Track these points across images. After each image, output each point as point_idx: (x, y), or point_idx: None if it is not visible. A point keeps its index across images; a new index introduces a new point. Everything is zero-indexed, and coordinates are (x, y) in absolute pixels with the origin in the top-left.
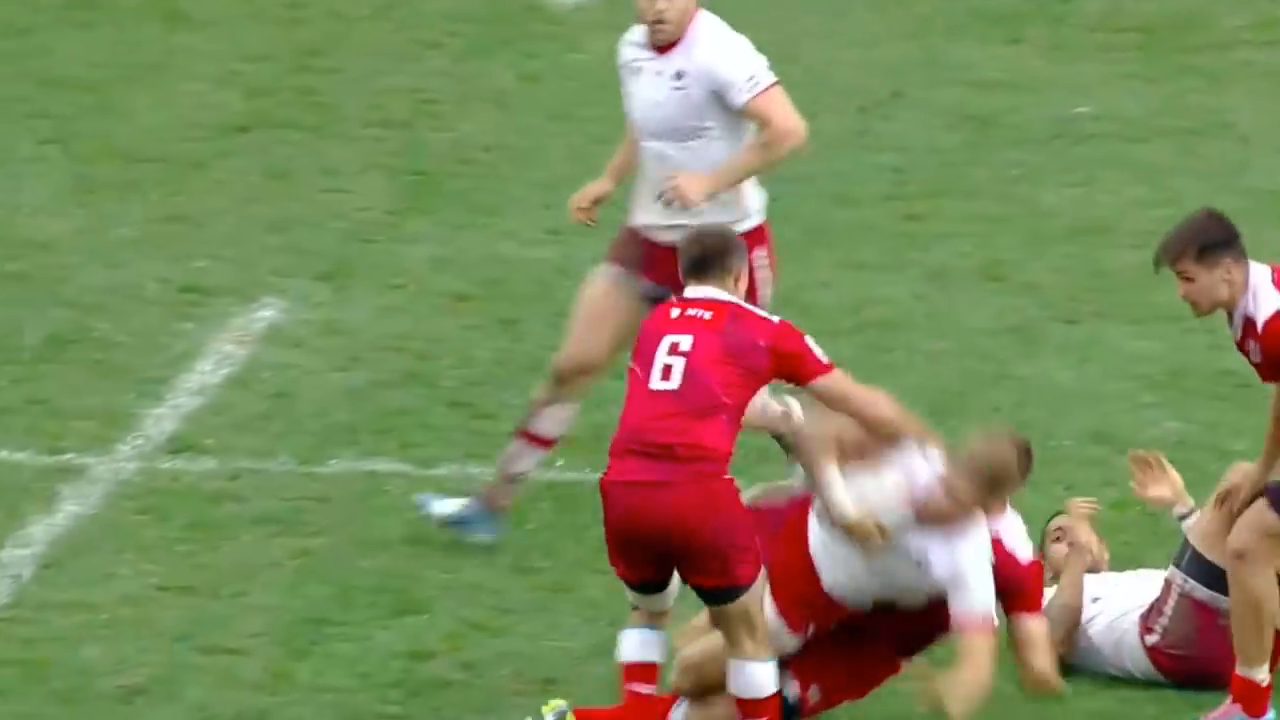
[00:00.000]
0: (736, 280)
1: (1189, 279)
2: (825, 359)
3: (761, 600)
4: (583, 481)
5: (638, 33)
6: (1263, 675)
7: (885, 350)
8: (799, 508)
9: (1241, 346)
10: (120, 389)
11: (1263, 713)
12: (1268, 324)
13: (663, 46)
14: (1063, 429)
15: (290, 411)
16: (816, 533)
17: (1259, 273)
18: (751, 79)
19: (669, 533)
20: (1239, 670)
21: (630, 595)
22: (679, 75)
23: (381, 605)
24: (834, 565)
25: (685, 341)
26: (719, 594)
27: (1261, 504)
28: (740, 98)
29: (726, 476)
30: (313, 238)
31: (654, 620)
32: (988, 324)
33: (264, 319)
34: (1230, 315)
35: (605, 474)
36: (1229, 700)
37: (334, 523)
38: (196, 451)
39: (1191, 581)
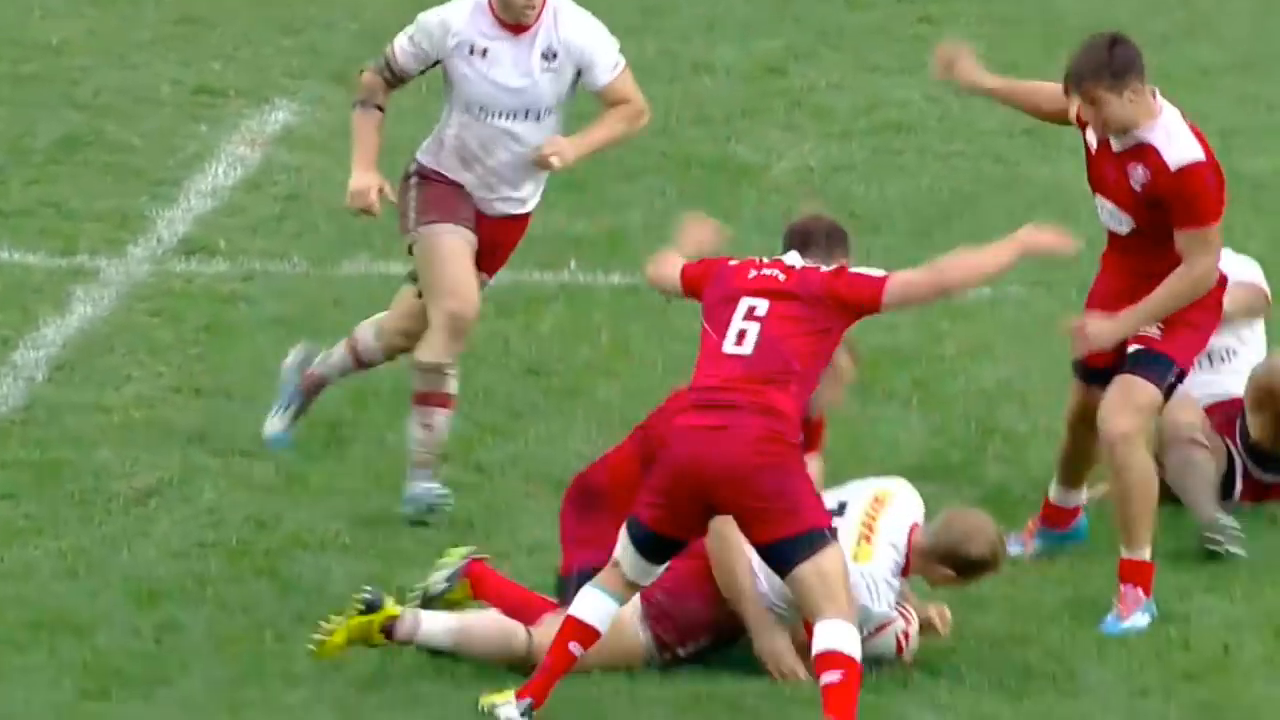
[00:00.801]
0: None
1: (1099, 103)
2: (878, 273)
3: (841, 558)
4: (595, 284)
5: (474, 13)
6: (1149, 554)
7: (897, 153)
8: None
9: (1121, 167)
10: (133, 191)
11: (1150, 592)
12: (1186, 171)
13: (521, 27)
14: (1075, 231)
15: (303, 213)
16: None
17: (1172, 111)
18: (616, 61)
19: (731, 473)
20: (1129, 554)
21: (629, 556)
22: (549, 55)
23: (395, 407)
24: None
25: (761, 306)
26: (791, 545)
27: (1137, 381)
28: (604, 77)
29: (794, 440)
30: (326, 39)
31: (622, 590)
32: (1001, 127)
33: (277, 121)
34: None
35: (674, 423)
36: (1129, 586)
37: (348, 325)
38: (209, 253)
39: None
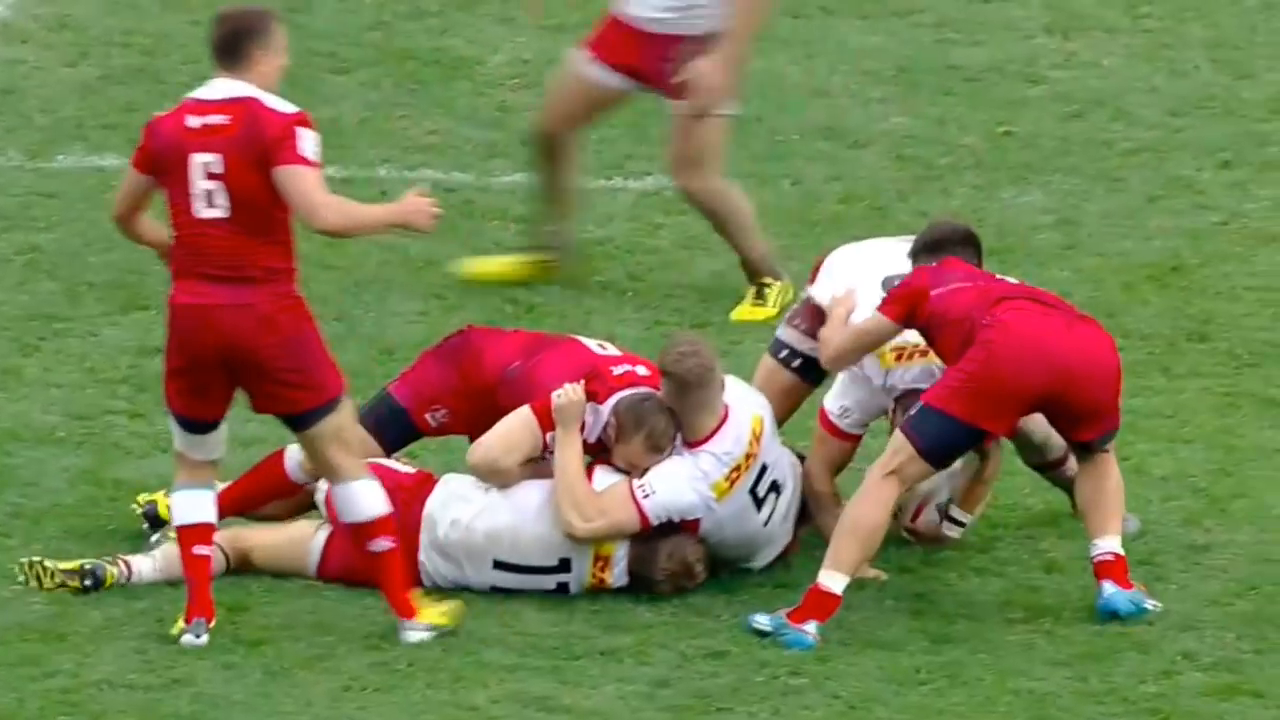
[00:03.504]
0: (259, 67)
1: None
2: (306, 154)
3: (351, 417)
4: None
5: None
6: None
7: None
8: None
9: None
10: None
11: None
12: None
13: None
14: (790, 124)
15: (18, 107)
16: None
17: None
18: None
19: (245, 348)
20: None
21: (180, 440)
22: None
23: (110, 301)
24: None
25: (216, 162)
26: (308, 416)
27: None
28: None
29: (296, 294)
30: None
31: (200, 477)
32: None
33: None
34: None
35: (172, 294)
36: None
37: (63, 219)
38: None
39: None
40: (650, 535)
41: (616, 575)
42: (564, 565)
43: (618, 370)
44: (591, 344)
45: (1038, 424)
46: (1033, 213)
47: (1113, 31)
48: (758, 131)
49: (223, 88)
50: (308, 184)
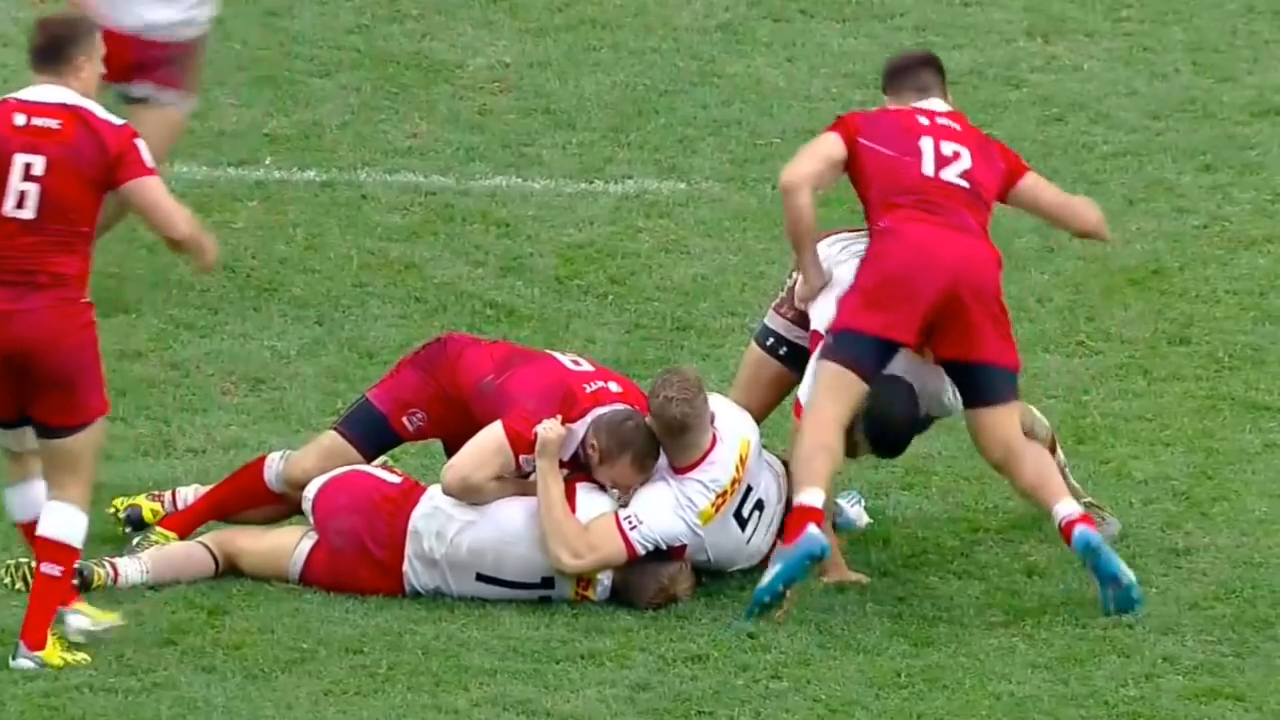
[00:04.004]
0: (81, 73)
1: None
2: (149, 164)
3: (98, 448)
4: (290, 180)
5: None
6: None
7: (594, 49)
8: None
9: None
10: None
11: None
12: None
13: None
14: (771, 127)
15: None
16: None
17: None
18: None
19: (25, 354)
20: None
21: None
22: None
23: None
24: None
25: (38, 164)
26: (61, 430)
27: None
28: None
29: (85, 301)
30: None
31: (27, 471)
32: (695, 22)
33: None
34: None
35: None
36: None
37: None
38: None
39: None
40: (639, 564)
41: (599, 592)
42: (547, 583)
43: (590, 387)
44: (565, 360)
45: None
46: (1013, 216)
47: (1093, 35)
48: (739, 134)
49: (48, 92)
50: (158, 194)
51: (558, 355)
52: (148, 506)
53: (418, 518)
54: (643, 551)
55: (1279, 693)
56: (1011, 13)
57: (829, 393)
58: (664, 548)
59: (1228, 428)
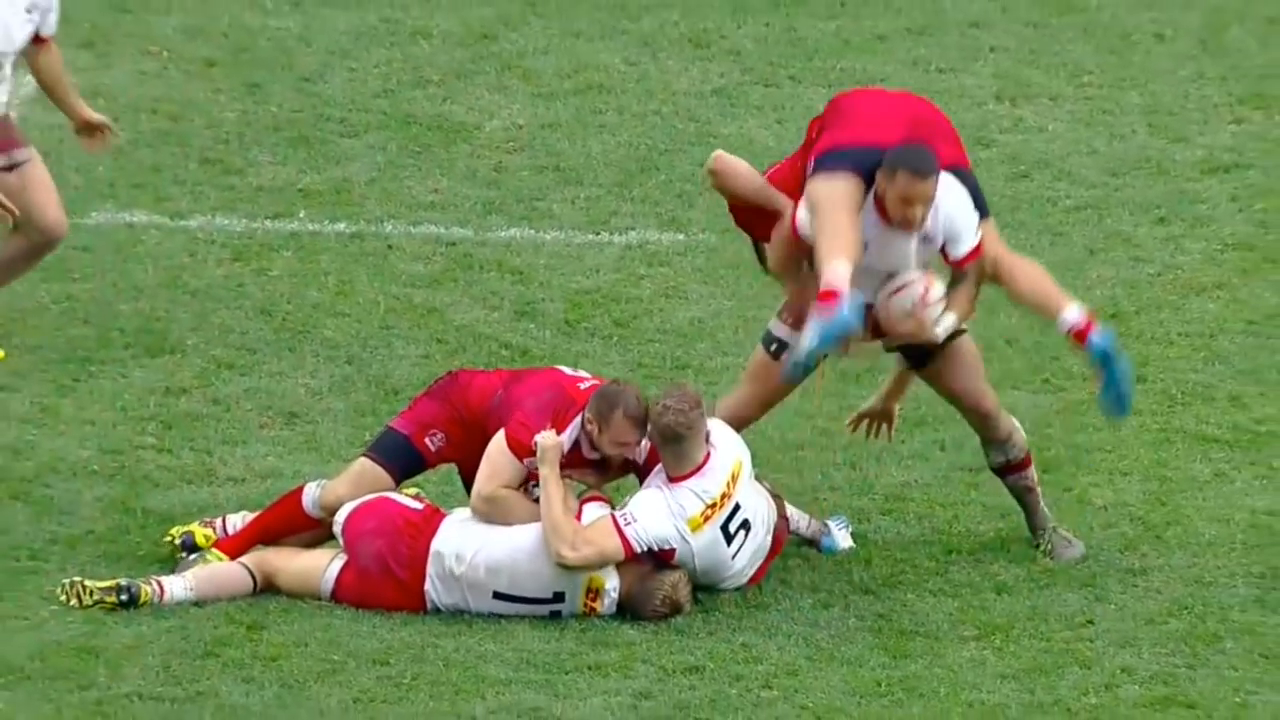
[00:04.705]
0: None
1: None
2: None
3: None
4: (322, 232)
5: None
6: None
7: (599, 112)
8: None
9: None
10: None
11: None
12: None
13: None
14: None
15: (55, 168)
16: None
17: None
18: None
19: None
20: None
21: None
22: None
23: (139, 345)
24: None
25: None
26: None
27: None
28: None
29: None
30: (74, 7)
31: None
32: (693, 88)
33: (31, 83)
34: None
35: None
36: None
37: (95, 270)
38: None
39: None
40: (644, 575)
41: (606, 605)
42: (558, 597)
43: (584, 385)
44: (566, 370)
45: (1004, 420)
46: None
47: (1057, 99)
48: None
49: None
50: None
51: (560, 367)
52: (200, 532)
53: (440, 541)
54: (639, 549)
55: (1227, 701)
56: (982, 79)
57: (836, 200)
58: (655, 550)
59: (1180, 458)
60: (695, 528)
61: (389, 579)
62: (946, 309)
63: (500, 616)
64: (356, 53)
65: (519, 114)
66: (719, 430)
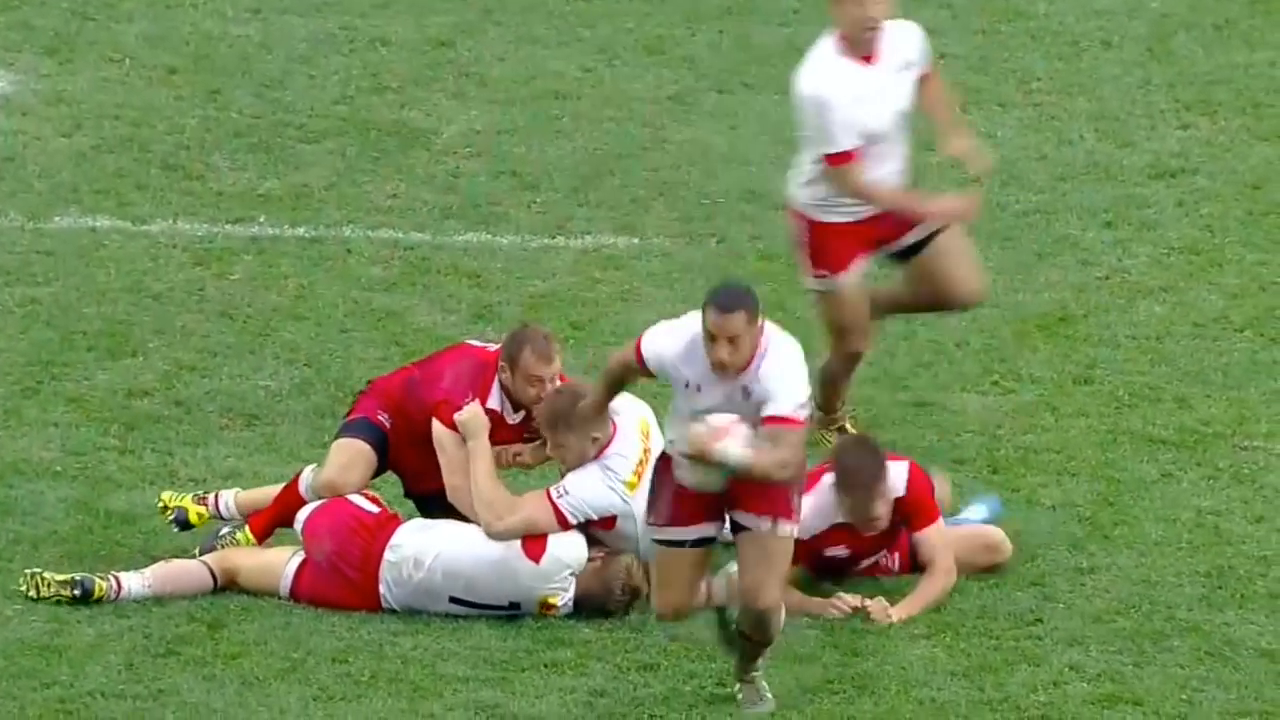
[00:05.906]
0: None
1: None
2: None
3: None
4: (282, 236)
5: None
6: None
7: (555, 118)
8: None
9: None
10: None
11: None
12: None
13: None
14: (716, 188)
15: (18, 173)
16: None
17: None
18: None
19: None
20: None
21: None
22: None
23: (102, 349)
24: None
25: None
26: None
27: None
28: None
29: None
30: (39, 14)
31: None
32: (648, 93)
33: None
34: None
35: None
36: None
37: (59, 274)
38: None
39: None
40: (596, 571)
41: (562, 609)
42: (514, 606)
43: (494, 348)
44: (474, 341)
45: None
46: None
47: (1005, 105)
48: (687, 195)
49: None
50: None
51: (469, 340)
52: (194, 509)
53: (395, 545)
54: (573, 520)
55: (1174, 698)
56: None
57: None
58: (594, 518)
59: (1127, 459)
60: (633, 488)
61: (338, 577)
62: (742, 447)
63: (458, 616)
64: (316, 59)
65: (476, 120)
66: (619, 403)
